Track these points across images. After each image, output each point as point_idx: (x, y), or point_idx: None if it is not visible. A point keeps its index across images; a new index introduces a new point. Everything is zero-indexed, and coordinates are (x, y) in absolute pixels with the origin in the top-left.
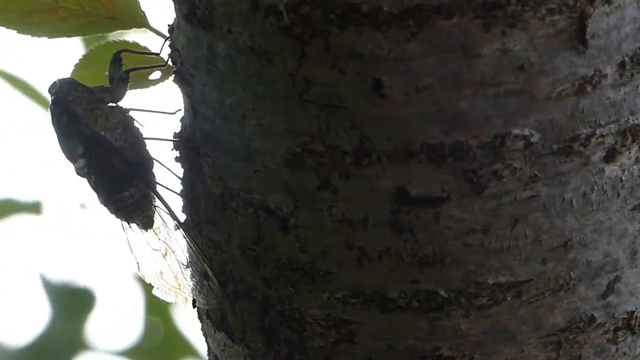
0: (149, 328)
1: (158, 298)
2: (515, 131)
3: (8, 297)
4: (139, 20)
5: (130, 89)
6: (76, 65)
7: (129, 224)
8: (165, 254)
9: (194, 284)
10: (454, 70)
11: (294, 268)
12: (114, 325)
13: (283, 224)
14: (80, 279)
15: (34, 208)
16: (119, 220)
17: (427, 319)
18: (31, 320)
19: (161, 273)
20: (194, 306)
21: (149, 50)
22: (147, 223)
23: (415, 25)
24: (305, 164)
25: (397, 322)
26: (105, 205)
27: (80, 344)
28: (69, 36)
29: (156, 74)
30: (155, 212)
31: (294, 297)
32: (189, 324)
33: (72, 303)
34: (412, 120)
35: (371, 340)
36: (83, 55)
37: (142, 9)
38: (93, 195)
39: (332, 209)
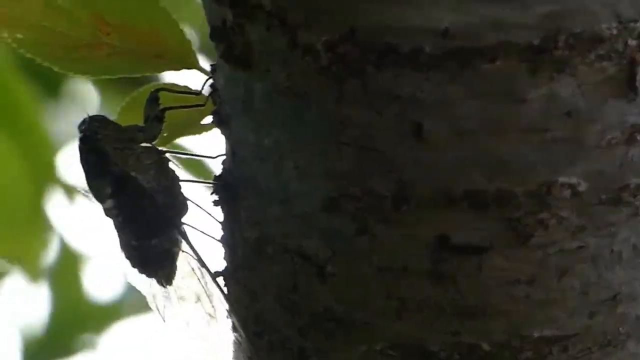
0: None
1: None
2: (563, 179)
3: None
4: (190, 61)
5: (181, 135)
6: (122, 108)
7: (149, 277)
8: (197, 301)
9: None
10: (498, 115)
11: (330, 318)
12: None
13: (320, 272)
14: None
15: None
16: (136, 270)
17: None
18: None
19: (187, 323)
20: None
21: (189, 89)
22: (169, 277)
23: (457, 68)
24: (342, 209)
25: None
26: (127, 252)
27: None
28: (114, 74)
29: (208, 119)
30: (185, 261)
31: (330, 349)
32: None
33: None
34: (454, 166)
35: None
36: (131, 96)
37: (194, 49)
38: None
39: (371, 256)
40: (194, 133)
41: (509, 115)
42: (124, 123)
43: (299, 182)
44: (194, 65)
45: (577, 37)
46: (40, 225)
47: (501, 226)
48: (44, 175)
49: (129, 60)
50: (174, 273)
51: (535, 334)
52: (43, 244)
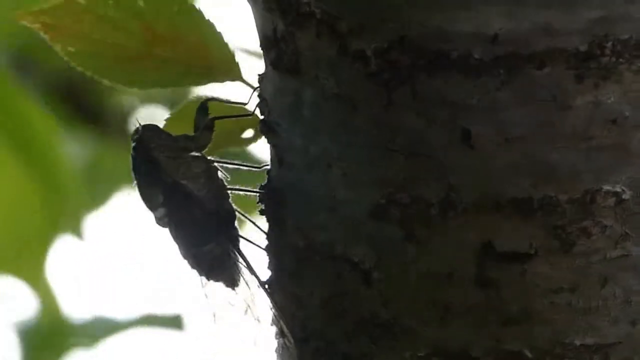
0: None
1: None
2: (607, 187)
3: None
4: (234, 73)
5: (221, 147)
6: (167, 119)
7: (209, 280)
8: (246, 312)
9: (276, 342)
10: (545, 121)
11: (376, 324)
12: None
13: (366, 278)
14: None
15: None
16: (199, 275)
17: None
18: None
19: (237, 328)
20: None
21: (236, 100)
22: (231, 282)
23: (506, 74)
24: (390, 215)
25: None
26: (185, 258)
27: None
28: (162, 86)
29: (249, 132)
30: (238, 270)
31: (375, 354)
32: None
33: None
34: (501, 172)
35: None
36: (178, 108)
37: (237, 61)
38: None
39: (417, 262)
40: (234, 145)
41: (555, 122)
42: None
43: (346, 188)
44: (238, 76)
45: (623, 44)
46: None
47: (545, 234)
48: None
49: (177, 72)
50: (236, 279)
51: (577, 342)
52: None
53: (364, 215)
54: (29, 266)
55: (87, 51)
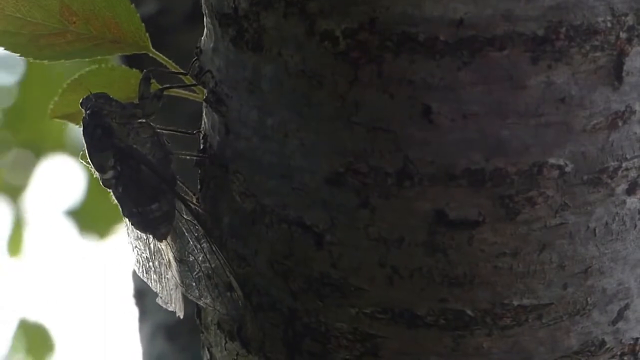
0: None
1: None
2: (552, 161)
3: None
4: (142, 44)
5: None
6: (64, 88)
7: (150, 235)
8: (171, 263)
9: (214, 295)
10: (500, 99)
11: (325, 283)
12: None
13: (318, 240)
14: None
15: None
16: (139, 231)
17: (452, 336)
18: None
19: (167, 280)
20: (197, 317)
21: (178, 70)
22: (165, 234)
23: (468, 55)
24: (347, 183)
25: (422, 338)
26: (129, 217)
27: None
28: (71, 59)
29: None
30: (183, 225)
31: (321, 310)
32: None
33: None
34: (456, 146)
35: (395, 355)
36: (73, 79)
37: (145, 33)
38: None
39: (369, 227)
40: None
41: (510, 100)
42: (65, 103)
43: (303, 157)
44: (147, 48)
45: (576, 29)
46: None
47: (494, 203)
48: None
49: (88, 46)
50: (169, 232)
51: (515, 303)
52: None
53: (320, 182)
54: None
55: (8, 29)
